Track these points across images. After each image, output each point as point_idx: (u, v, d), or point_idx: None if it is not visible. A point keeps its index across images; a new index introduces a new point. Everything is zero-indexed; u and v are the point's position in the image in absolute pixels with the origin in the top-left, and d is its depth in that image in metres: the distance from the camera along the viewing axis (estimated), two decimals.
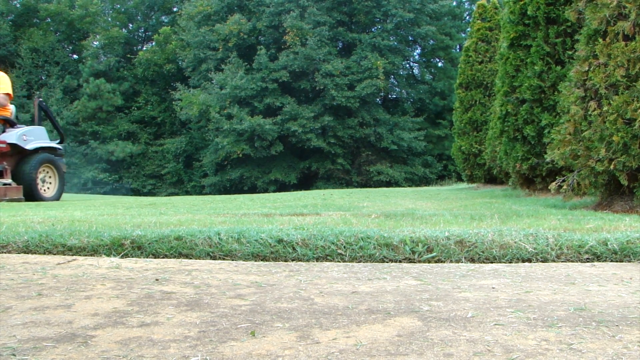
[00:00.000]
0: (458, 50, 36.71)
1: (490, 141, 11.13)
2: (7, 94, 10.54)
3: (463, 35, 36.30)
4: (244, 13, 34.50)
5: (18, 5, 39.16)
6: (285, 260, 2.84)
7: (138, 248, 3.00)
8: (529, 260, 2.78)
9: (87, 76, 35.83)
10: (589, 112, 5.39)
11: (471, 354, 1.32)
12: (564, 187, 5.90)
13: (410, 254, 2.81)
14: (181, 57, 36.23)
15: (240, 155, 31.56)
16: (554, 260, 2.77)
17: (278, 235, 2.99)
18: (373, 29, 35.55)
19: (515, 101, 8.34)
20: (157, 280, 2.29)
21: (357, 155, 34.09)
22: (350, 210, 5.86)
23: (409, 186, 29.88)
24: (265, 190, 30.32)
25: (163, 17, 42.94)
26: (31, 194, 10.16)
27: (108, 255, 2.96)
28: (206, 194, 31.49)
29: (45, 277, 2.34)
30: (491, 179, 13.47)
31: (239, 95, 31.64)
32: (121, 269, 2.56)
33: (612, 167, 5.08)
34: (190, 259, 2.89)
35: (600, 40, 5.30)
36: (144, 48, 40.86)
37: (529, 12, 7.89)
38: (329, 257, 2.84)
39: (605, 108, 5.14)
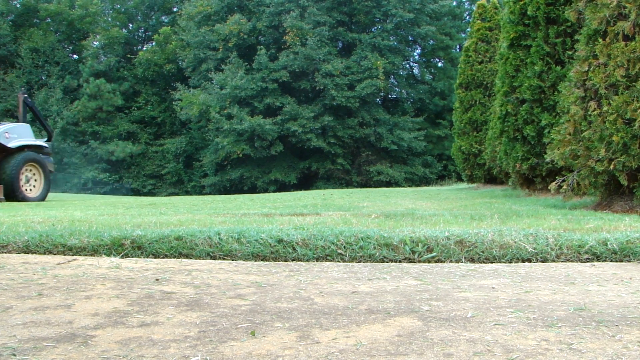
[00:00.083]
0: (458, 50, 36.70)
1: (490, 141, 11.13)
2: None
3: (463, 35, 36.30)
4: (244, 13, 34.50)
5: (18, 5, 39.16)
6: (285, 260, 2.84)
7: (138, 248, 3.00)
8: (529, 260, 2.78)
9: (87, 76, 35.83)
10: (589, 112, 5.39)
11: (471, 354, 1.32)
12: (564, 187, 5.90)
13: (410, 254, 2.81)
14: (181, 57, 36.24)
15: (240, 155, 31.56)
16: (553, 260, 2.77)
17: (278, 235, 2.99)
18: (373, 29, 35.55)
19: (515, 101, 8.35)
20: (157, 280, 2.29)
21: (357, 155, 34.09)
22: (350, 210, 5.86)
23: (409, 186, 29.88)
24: (265, 190, 30.31)
25: (163, 17, 42.94)
26: (13, 194, 9.81)
27: (108, 255, 2.96)
28: (206, 194, 31.49)
29: (45, 277, 2.34)
30: (491, 179, 13.47)
31: (239, 95, 31.65)
32: (121, 269, 2.56)
33: (612, 167, 5.08)
34: (191, 259, 2.90)
35: (600, 40, 5.30)
36: (144, 48, 40.86)
37: (529, 12, 7.89)
38: (329, 257, 2.84)
39: (605, 108, 5.15)
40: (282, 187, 31.46)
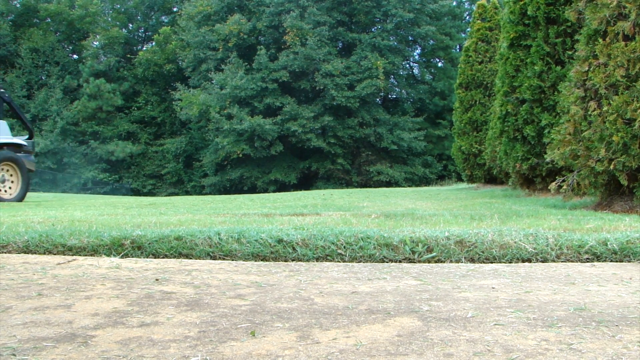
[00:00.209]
0: (458, 50, 36.70)
1: (490, 141, 11.13)
2: None
3: (463, 35, 36.30)
4: (244, 13, 34.51)
5: (18, 5, 39.16)
6: (285, 260, 2.84)
7: (138, 248, 3.00)
8: (529, 260, 2.78)
9: (87, 76, 35.83)
10: (589, 112, 5.39)
11: (471, 354, 1.32)
12: (564, 187, 5.90)
13: (410, 254, 2.81)
14: (181, 57, 36.24)
15: (240, 155, 31.57)
16: (553, 260, 2.77)
17: (278, 235, 2.99)
18: (373, 29, 35.56)
19: (515, 101, 8.35)
20: (157, 280, 2.29)
21: (357, 155, 34.10)
22: (350, 210, 5.87)
23: (409, 186, 29.89)
24: (265, 190, 30.32)
25: (163, 17, 42.95)
26: None
27: (108, 255, 2.96)
28: (206, 194, 31.50)
29: (45, 277, 2.34)
30: (491, 179, 13.47)
31: (239, 95, 31.65)
32: (121, 269, 2.56)
33: (612, 167, 5.08)
34: (190, 259, 2.90)
35: (600, 40, 5.30)
36: (144, 48, 40.86)
37: (529, 12, 7.89)
38: (329, 257, 2.84)
39: (605, 108, 5.15)
40: (282, 187, 31.46)
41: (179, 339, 1.46)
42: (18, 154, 10.17)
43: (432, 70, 39.14)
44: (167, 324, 1.61)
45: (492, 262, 2.76)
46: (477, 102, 13.49)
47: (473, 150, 13.42)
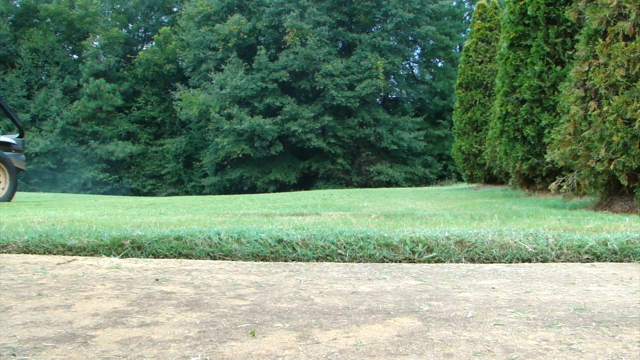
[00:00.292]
0: (458, 50, 36.72)
1: (490, 141, 11.13)
2: None
3: (463, 35, 36.31)
4: (244, 13, 34.51)
5: (18, 5, 39.17)
6: (285, 260, 2.84)
7: (138, 248, 3.00)
8: (529, 260, 2.78)
9: (87, 76, 35.84)
10: (589, 112, 5.39)
11: (471, 354, 1.32)
12: (564, 187, 5.90)
13: (410, 254, 2.81)
14: (181, 57, 36.25)
15: (240, 155, 31.57)
16: (553, 261, 2.77)
17: (278, 235, 2.99)
18: (373, 29, 35.57)
19: (515, 101, 8.35)
20: (157, 280, 2.29)
21: (357, 155, 34.11)
22: (350, 210, 5.87)
23: (409, 186, 29.89)
24: (265, 190, 30.33)
25: (163, 17, 42.96)
26: None
27: (108, 255, 2.96)
28: (206, 194, 31.51)
29: (45, 277, 2.34)
30: (491, 179, 13.47)
31: (239, 95, 31.65)
32: (121, 269, 2.56)
33: (612, 167, 5.08)
34: (190, 259, 2.90)
35: (600, 40, 5.30)
36: (144, 48, 40.87)
37: (529, 12, 7.89)
38: (329, 257, 2.84)
39: (605, 108, 5.15)
40: (282, 187, 31.47)
41: (179, 339, 1.46)
42: (7, 152, 9.83)
43: (432, 70, 39.15)
44: (167, 324, 1.61)
45: (492, 262, 2.76)
46: (477, 102, 13.49)
47: (473, 150, 13.42)
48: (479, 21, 13.77)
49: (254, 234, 3.01)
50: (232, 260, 2.85)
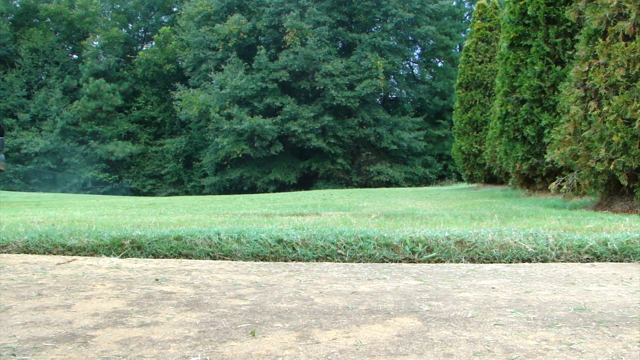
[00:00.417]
0: (458, 50, 36.71)
1: (490, 141, 11.13)
2: None
3: (463, 35, 36.29)
4: (244, 13, 34.50)
5: (18, 5, 39.16)
6: (285, 260, 2.84)
7: (138, 248, 3.00)
8: (529, 260, 2.78)
9: (87, 76, 35.83)
10: (589, 112, 5.39)
11: (471, 354, 1.32)
12: (564, 187, 5.90)
13: (410, 254, 2.81)
14: (181, 57, 36.24)
15: (240, 155, 31.56)
16: (553, 260, 2.77)
17: (278, 235, 2.99)
18: (373, 29, 35.55)
19: (515, 101, 8.34)
20: (157, 280, 2.29)
21: (357, 155, 34.09)
22: (350, 210, 5.86)
23: (409, 186, 29.89)
24: (265, 190, 30.31)
25: (163, 17, 42.94)
26: None
27: (108, 255, 2.96)
28: (206, 194, 31.50)
29: (45, 277, 2.34)
30: (491, 179, 13.47)
31: (238, 95, 31.64)
32: (121, 269, 2.56)
33: (612, 167, 5.08)
34: (190, 259, 2.89)
35: (600, 40, 5.30)
36: (144, 48, 40.86)
37: (529, 12, 7.89)
38: (329, 257, 2.84)
39: (605, 108, 5.14)
40: (282, 187, 31.46)
41: (179, 339, 1.46)
42: None
43: (432, 70, 39.14)
44: (167, 324, 1.61)
45: (492, 262, 2.76)
46: (477, 102, 13.49)
47: (473, 150, 13.42)
48: (479, 21, 13.77)
49: (254, 234, 3.01)
50: (232, 260, 2.85)
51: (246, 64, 32.93)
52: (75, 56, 40.10)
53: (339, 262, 2.79)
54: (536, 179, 8.52)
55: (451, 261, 2.77)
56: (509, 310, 1.75)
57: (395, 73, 36.50)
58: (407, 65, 39.10)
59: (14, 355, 1.33)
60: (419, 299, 1.91)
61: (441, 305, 1.81)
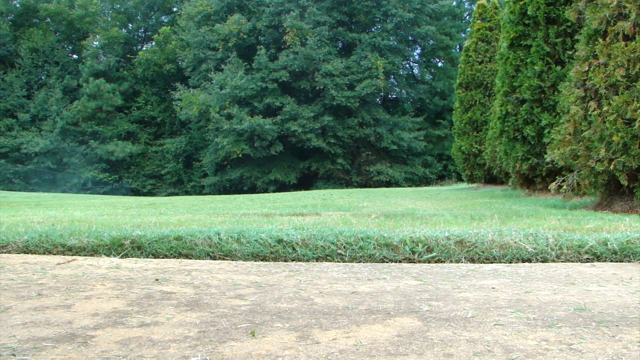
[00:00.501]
0: (458, 50, 36.71)
1: (490, 141, 11.13)
2: None
3: (463, 35, 36.29)
4: (244, 13, 34.50)
5: (18, 5, 39.16)
6: (285, 261, 2.83)
7: (138, 248, 3.00)
8: (529, 260, 2.78)
9: (87, 76, 35.82)
10: (589, 112, 5.39)
11: (471, 354, 1.32)
12: (564, 187, 5.90)
13: (410, 254, 2.81)
14: (181, 57, 36.23)
15: (240, 155, 31.56)
16: (553, 261, 2.77)
17: (278, 235, 2.99)
18: (373, 29, 35.55)
19: (515, 101, 8.34)
20: (157, 280, 2.29)
21: (357, 155, 34.09)
22: (350, 210, 5.87)
23: (409, 186, 29.89)
24: (265, 190, 30.31)
25: (163, 17, 42.94)
26: None
27: (108, 255, 2.96)
28: (206, 194, 31.50)
29: (45, 277, 2.34)
30: (491, 179, 13.47)
31: (238, 95, 31.64)
32: (121, 269, 2.56)
33: (612, 167, 5.08)
34: (190, 259, 2.89)
35: (600, 40, 5.30)
36: (144, 48, 40.85)
37: (529, 12, 7.89)
38: (329, 257, 2.84)
39: (605, 108, 5.14)
40: (282, 187, 31.45)
41: (179, 339, 1.46)
42: None
43: (432, 70, 39.14)
44: (167, 324, 1.61)
45: (492, 262, 2.76)
46: (477, 102, 13.49)
47: (473, 150, 13.42)
48: (479, 21, 13.77)
49: (254, 234, 3.01)
50: (232, 260, 2.85)
51: (246, 64, 32.93)
52: (75, 56, 40.09)
53: (339, 262, 2.79)
54: (536, 179, 8.52)
55: (451, 261, 2.77)
56: (509, 310, 1.75)
57: (395, 73, 36.50)
58: (407, 65, 39.10)
59: (13, 355, 1.33)
60: (419, 299, 1.91)
61: (441, 305, 1.81)
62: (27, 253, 3.06)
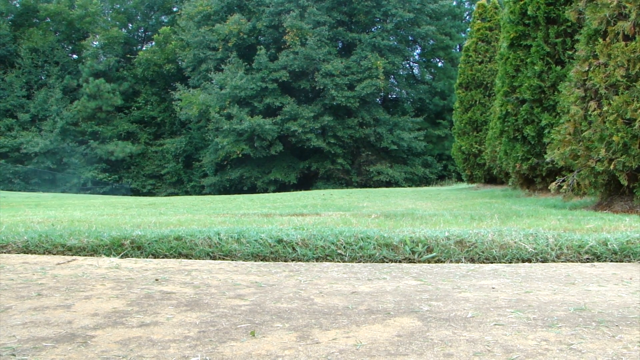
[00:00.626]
0: (458, 50, 36.71)
1: (490, 141, 11.13)
2: None
3: (463, 35, 36.29)
4: (244, 13, 34.50)
5: (18, 5, 39.15)
6: (285, 261, 2.83)
7: (138, 248, 3.00)
8: (529, 260, 2.78)
9: (86, 76, 35.82)
10: (589, 112, 5.39)
11: (471, 354, 1.32)
12: (564, 187, 5.90)
13: (410, 254, 2.81)
14: (181, 57, 36.23)
15: (240, 155, 31.56)
16: (553, 261, 2.77)
17: (278, 235, 2.99)
18: (373, 29, 35.55)
19: (515, 101, 8.34)
20: (156, 280, 2.29)
21: (357, 155, 34.09)
22: (350, 210, 5.86)
23: (409, 186, 29.89)
24: (265, 190, 30.31)
25: (163, 17, 42.93)
26: None
27: (108, 255, 2.96)
28: (206, 194, 31.49)
29: (45, 277, 2.34)
30: (491, 179, 13.47)
31: (238, 95, 31.64)
32: (121, 269, 2.55)
33: (612, 167, 5.08)
34: (190, 259, 2.89)
35: (600, 40, 5.30)
36: (144, 48, 40.85)
37: (529, 12, 7.89)
38: (328, 257, 2.84)
39: (605, 108, 5.14)
40: (282, 187, 31.45)
41: (179, 339, 1.46)
42: None
43: (432, 70, 39.14)
44: (167, 324, 1.61)
45: (492, 262, 2.76)
46: (477, 102, 13.49)
47: (473, 150, 13.42)
48: (479, 21, 13.77)
49: (254, 234, 3.01)
50: (232, 260, 2.85)
51: (246, 64, 32.93)
52: (75, 56, 40.09)
53: (339, 262, 2.79)
54: (536, 179, 8.52)
55: (451, 261, 2.77)
56: (509, 310, 1.75)
57: (395, 73, 36.50)
58: (407, 65, 39.10)
59: (13, 355, 1.33)
60: (419, 299, 1.91)
61: (441, 305, 1.81)
62: (27, 253, 3.06)
